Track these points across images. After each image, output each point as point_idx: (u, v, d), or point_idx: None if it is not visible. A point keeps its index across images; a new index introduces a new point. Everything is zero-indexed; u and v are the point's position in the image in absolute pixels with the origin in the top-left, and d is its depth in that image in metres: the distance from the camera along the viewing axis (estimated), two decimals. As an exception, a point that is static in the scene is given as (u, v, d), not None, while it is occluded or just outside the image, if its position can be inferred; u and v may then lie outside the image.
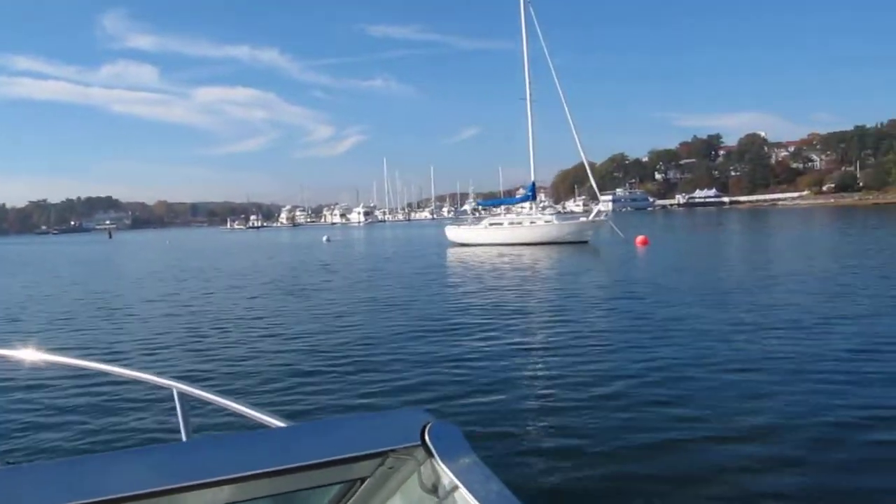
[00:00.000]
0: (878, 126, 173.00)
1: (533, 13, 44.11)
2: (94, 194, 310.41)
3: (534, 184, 47.99)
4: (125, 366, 2.78)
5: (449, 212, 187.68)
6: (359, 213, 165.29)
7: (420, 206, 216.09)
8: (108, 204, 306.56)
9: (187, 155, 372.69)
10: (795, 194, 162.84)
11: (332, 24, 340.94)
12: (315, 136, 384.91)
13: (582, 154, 45.34)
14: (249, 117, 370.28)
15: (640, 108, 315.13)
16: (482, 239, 43.54)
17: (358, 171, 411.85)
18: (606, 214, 42.10)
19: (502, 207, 53.35)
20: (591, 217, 44.05)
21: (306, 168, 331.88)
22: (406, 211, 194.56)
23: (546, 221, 44.10)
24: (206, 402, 2.35)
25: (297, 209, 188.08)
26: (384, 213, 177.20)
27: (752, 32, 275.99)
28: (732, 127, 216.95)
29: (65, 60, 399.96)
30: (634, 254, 33.12)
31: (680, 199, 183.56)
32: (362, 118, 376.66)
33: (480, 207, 58.46)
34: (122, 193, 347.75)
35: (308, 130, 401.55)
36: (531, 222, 43.80)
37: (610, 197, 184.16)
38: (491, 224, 45.44)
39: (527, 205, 49.55)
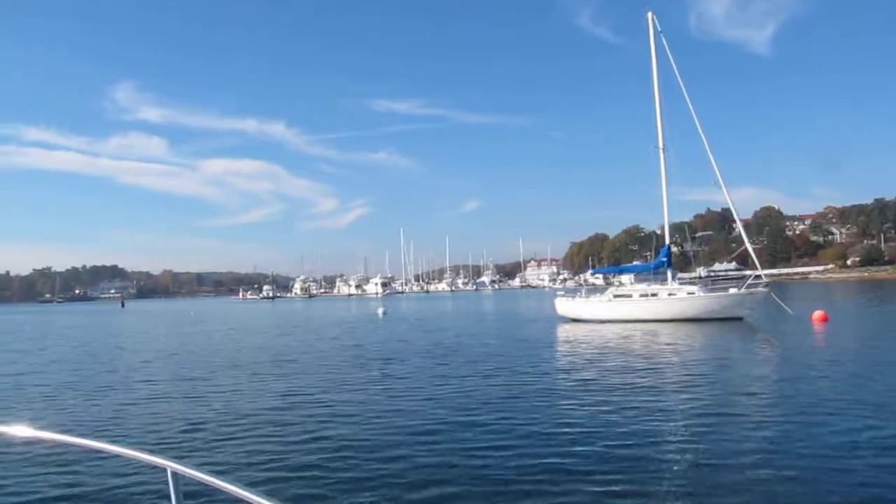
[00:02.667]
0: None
1: (668, 50, 37.84)
2: (99, 262, 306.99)
3: (668, 247, 41.16)
4: (118, 443, 2.69)
5: (465, 283, 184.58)
6: (376, 283, 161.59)
7: (432, 277, 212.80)
8: (114, 273, 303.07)
9: (193, 225, 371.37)
10: (820, 267, 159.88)
11: (338, 99, 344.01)
12: (320, 207, 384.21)
13: (732, 207, 41.97)
14: (255, 189, 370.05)
15: (640, 183, 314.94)
16: (605, 314, 37.35)
17: (362, 243, 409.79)
18: (765, 284, 36.24)
19: (627, 277, 46.05)
20: (743, 287, 36.30)
21: (311, 239, 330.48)
22: (425, 282, 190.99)
23: (689, 293, 37.10)
24: (202, 484, 2.28)
25: (311, 280, 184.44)
26: (402, 285, 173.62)
27: (742, 117, 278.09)
28: (734, 202, 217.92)
29: (74, 131, 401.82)
30: (814, 335, 26.43)
31: (701, 272, 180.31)
32: (367, 190, 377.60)
33: (595, 275, 52.27)
34: (127, 262, 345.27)
35: (313, 202, 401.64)
36: (669, 294, 37.00)
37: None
38: (616, 296, 38.52)
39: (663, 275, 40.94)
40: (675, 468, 8.66)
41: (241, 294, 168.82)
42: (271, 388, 16.87)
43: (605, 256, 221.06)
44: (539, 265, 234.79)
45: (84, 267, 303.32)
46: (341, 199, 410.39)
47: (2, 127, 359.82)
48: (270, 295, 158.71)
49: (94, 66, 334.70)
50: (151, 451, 2.55)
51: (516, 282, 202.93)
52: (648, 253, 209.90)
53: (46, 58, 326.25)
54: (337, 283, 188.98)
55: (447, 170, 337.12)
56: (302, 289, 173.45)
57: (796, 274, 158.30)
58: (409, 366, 20.48)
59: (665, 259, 40.43)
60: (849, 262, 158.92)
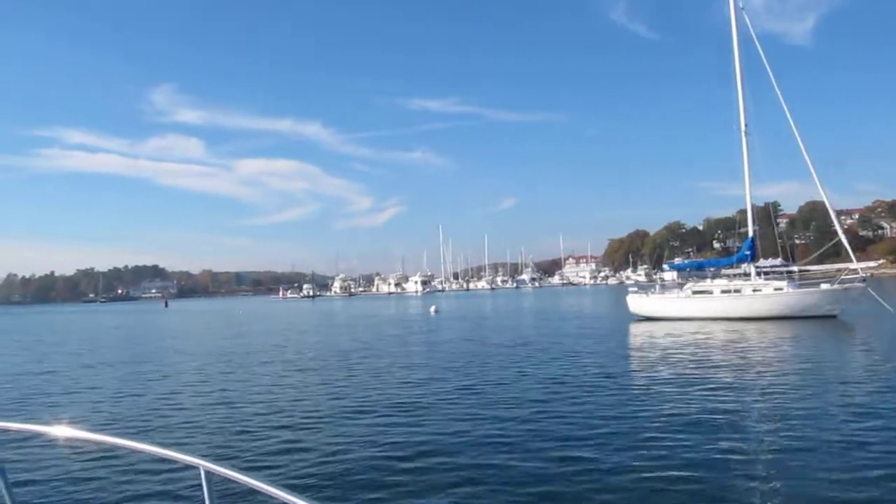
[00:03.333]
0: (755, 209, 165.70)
1: (749, 25, 35.67)
2: (140, 263, 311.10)
3: (752, 239, 38.30)
4: (153, 442, 2.75)
5: (504, 281, 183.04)
6: (416, 282, 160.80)
7: (470, 275, 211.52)
8: (155, 273, 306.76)
9: (230, 225, 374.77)
10: (872, 263, 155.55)
11: (372, 99, 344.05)
12: (355, 206, 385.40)
13: (824, 196, 39.51)
14: (290, 188, 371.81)
15: (678, 177, 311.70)
16: (683, 311, 35.05)
17: (397, 242, 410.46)
18: (861, 279, 33.68)
19: (709, 272, 41.55)
20: (836, 283, 33.98)
21: (346, 238, 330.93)
22: (466, 280, 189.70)
23: (777, 289, 34.12)
24: (235, 482, 2.31)
25: (349, 279, 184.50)
26: (441, 283, 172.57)
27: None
28: (773, 196, 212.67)
29: (115, 134, 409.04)
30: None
31: (745, 268, 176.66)
32: (401, 189, 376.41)
33: (671, 271, 48.44)
34: (167, 262, 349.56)
35: (348, 201, 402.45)
36: (754, 290, 34.51)
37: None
38: (696, 292, 35.99)
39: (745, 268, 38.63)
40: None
41: (281, 293, 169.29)
42: (372, 390, 15.87)
43: (645, 253, 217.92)
44: (577, 262, 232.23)
45: (126, 267, 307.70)
46: (376, 197, 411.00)
47: (46, 130, 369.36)
48: (311, 294, 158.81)
49: (133, 69, 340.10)
50: (184, 450, 2.55)
51: (555, 279, 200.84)
52: (690, 249, 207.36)
53: (87, 61, 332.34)
54: (375, 282, 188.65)
55: (481, 168, 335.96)
56: (341, 287, 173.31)
57: (849, 269, 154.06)
58: (494, 369, 19.04)
59: (749, 252, 37.84)
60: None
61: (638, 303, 38.09)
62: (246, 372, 20.44)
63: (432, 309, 53.11)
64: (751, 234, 38.69)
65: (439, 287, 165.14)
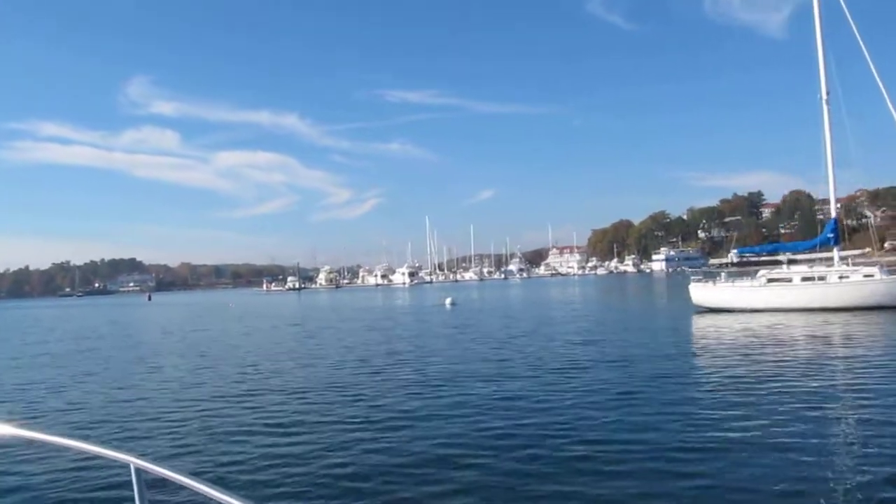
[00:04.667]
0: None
1: None
2: (117, 256, 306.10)
3: (836, 220, 34.01)
4: (82, 439, 2.71)
5: (489, 272, 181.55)
6: (403, 273, 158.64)
7: (455, 265, 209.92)
8: (132, 266, 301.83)
9: (208, 218, 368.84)
10: (857, 252, 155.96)
11: (351, 90, 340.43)
12: (334, 199, 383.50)
13: None
14: (269, 181, 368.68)
15: (654, 167, 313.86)
16: (757, 302, 31.37)
17: (376, 234, 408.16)
18: None
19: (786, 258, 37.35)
20: None
21: (325, 230, 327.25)
22: (454, 271, 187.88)
23: (867, 276, 30.45)
24: (167, 480, 2.27)
25: (335, 270, 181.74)
26: (429, 274, 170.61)
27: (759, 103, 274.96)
28: (749, 186, 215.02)
29: (89, 126, 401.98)
30: None
31: (733, 257, 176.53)
32: (380, 181, 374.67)
33: (740, 256, 44.97)
34: (145, 255, 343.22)
35: (327, 193, 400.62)
36: (840, 277, 30.89)
37: (663, 255, 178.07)
38: (771, 280, 32.27)
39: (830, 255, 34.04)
40: None
41: (265, 286, 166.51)
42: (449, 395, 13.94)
43: (630, 243, 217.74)
44: (561, 253, 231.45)
45: (102, 261, 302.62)
46: (355, 189, 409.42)
47: (19, 122, 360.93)
48: (296, 286, 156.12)
49: (107, 60, 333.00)
50: (114, 447, 2.54)
51: (542, 269, 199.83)
52: (675, 239, 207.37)
53: (60, 53, 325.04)
54: (361, 274, 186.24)
55: (462, 159, 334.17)
56: (327, 279, 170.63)
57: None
58: (556, 371, 16.53)
59: (832, 235, 33.69)
60: (886, 245, 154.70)
61: (703, 293, 34.27)
62: (380, 384, 16.14)
63: (448, 301, 50.75)
64: (834, 213, 34.44)
65: (427, 278, 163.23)
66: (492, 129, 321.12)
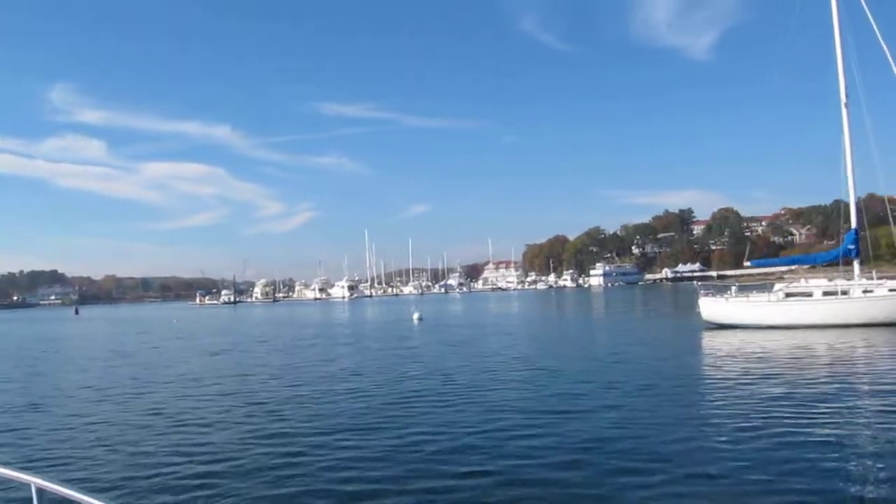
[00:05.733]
0: (857, 199, 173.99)
1: None
2: (37, 268, 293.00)
3: (856, 230, 32.25)
4: None
5: (428, 286, 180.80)
6: (343, 287, 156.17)
7: (393, 279, 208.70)
8: (53, 278, 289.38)
9: (134, 229, 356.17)
10: (784, 268, 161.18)
11: (285, 102, 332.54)
12: (265, 211, 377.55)
13: None
14: (198, 193, 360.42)
15: (584, 184, 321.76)
16: (774, 318, 29.36)
17: (309, 247, 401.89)
18: None
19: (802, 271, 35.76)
20: None
21: (257, 243, 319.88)
22: (392, 285, 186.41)
23: (891, 290, 28.62)
24: (67, 499, 2.27)
25: (270, 283, 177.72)
26: (369, 288, 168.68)
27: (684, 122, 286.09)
28: (677, 204, 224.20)
29: (8, 132, 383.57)
30: None
31: (667, 272, 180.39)
32: (313, 194, 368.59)
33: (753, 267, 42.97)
34: (68, 268, 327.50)
35: (258, 206, 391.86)
36: (864, 291, 29.01)
37: (600, 271, 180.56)
38: (789, 294, 30.36)
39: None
40: None
41: (198, 299, 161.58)
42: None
43: (566, 258, 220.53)
44: (497, 267, 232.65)
45: (21, 272, 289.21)
46: (287, 203, 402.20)
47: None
48: (231, 300, 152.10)
49: (28, 65, 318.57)
50: (16, 467, 2.54)
51: (480, 284, 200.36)
52: (610, 254, 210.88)
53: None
54: (297, 287, 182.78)
55: (397, 173, 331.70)
56: (263, 293, 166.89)
57: (772, 275, 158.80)
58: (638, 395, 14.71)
59: (853, 247, 31.82)
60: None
61: (714, 308, 31.97)
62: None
63: (415, 316, 49.31)
64: (854, 225, 32.48)
65: (366, 292, 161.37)
66: (426, 143, 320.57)
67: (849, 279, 30.91)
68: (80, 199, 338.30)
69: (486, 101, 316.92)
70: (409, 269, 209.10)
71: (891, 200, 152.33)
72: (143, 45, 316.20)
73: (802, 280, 32.77)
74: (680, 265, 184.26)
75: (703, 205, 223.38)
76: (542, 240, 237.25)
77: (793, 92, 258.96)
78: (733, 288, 33.01)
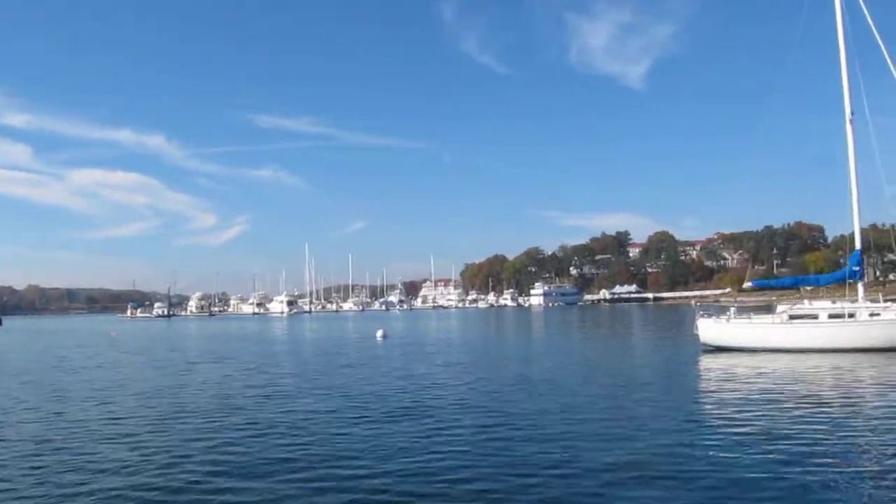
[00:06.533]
0: (786, 226, 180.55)
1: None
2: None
3: (860, 252, 31.18)
4: None
5: (367, 303, 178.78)
6: (282, 302, 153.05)
7: (331, 295, 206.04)
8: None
9: (60, 238, 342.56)
10: (719, 291, 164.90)
11: (222, 113, 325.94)
12: (199, 223, 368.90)
13: None
14: (129, 202, 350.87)
15: (521, 205, 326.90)
16: (777, 341, 28.38)
17: (243, 261, 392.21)
18: None
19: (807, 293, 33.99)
20: None
21: (189, 256, 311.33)
22: (331, 301, 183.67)
23: None
24: None
25: (206, 297, 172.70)
26: (309, 303, 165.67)
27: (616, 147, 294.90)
28: (610, 226, 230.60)
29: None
30: None
31: (605, 293, 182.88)
32: (249, 207, 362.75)
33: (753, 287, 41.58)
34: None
35: (191, 218, 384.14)
36: (871, 314, 28.05)
37: (541, 290, 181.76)
38: (794, 317, 29.06)
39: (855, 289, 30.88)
40: None
41: (129, 312, 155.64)
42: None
43: (505, 278, 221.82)
44: (436, 286, 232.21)
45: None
46: (221, 215, 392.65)
47: None
48: (165, 313, 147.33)
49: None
50: None
51: (420, 302, 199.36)
52: (548, 274, 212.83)
53: None
54: (233, 302, 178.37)
55: (335, 189, 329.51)
56: (198, 307, 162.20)
57: (706, 297, 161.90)
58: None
59: (857, 269, 30.86)
60: (745, 286, 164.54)
61: (713, 330, 30.70)
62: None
63: (379, 334, 47.65)
64: (858, 245, 31.46)
65: (305, 308, 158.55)
66: (366, 160, 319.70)
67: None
68: (3, 205, 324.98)
69: (427, 121, 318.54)
70: (348, 285, 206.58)
71: (815, 228, 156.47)
72: (73, 50, 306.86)
73: (806, 302, 31.76)
74: (617, 286, 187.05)
75: (637, 229, 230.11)
76: (482, 259, 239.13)
77: (721, 119, 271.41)
78: (732, 309, 31.94)
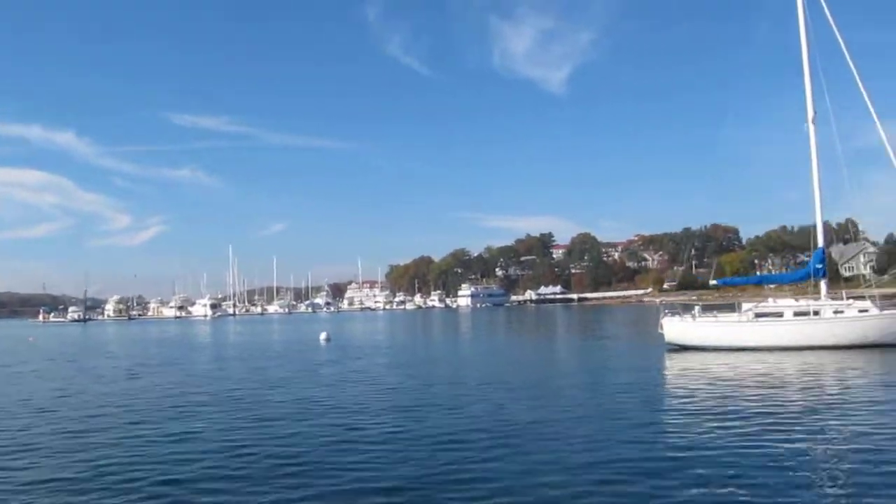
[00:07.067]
0: (703, 228, 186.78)
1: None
2: None
3: (823, 250, 31.58)
4: None
5: (293, 305, 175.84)
6: (205, 305, 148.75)
7: (255, 297, 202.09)
8: None
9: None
10: (641, 291, 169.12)
11: (137, 111, 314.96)
12: (113, 225, 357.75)
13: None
14: (38, 202, 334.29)
15: (445, 207, 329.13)
16: (743, 339, 28.55)
17: (160, 263, 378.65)
18: None
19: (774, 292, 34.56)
20: None
21: (102, 258, 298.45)
22: (255, 304, 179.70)
23: (861, 311, 28.28)
24: None
25: (124, 300, 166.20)
26: (233, 306, 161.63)
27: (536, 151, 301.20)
28: (532, 228, 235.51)
29: None
30: None
31: (531, 294, 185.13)
32: (165, 208, 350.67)
33: (720, 286, 41.08)
34: None
35: (105, 219, 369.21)
36: (835, 312, 28.40)
37: (469, 292, 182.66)
38: (760, 315, 29.21)
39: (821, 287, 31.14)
40: None
41: (41, 316, 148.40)
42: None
43: (431, 279, 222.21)
44: (361, 287, 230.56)
45: None
46: (137, 215, 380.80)
47: None
48: (81, 317, 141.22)
49: None
50: None
51: (346, 304, 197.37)
52: (474, 276, 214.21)
53: None
54: (152, 305, 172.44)
55: (256, 190, 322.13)
56: (116, 310, 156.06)
57: (630, 297, 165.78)
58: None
59: (820, 266, 31.18)
60: (665, 286, 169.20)
61: (679, 328, 30.44)
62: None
63: (322, 337, 46.52)
64: (821, 243, 31.81)
65: (230, 311, 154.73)
66: (287, 161, 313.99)
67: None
68: None
69: (351, 122, 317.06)
70: (272, 288, 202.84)
71: (730, 230, 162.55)
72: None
73: (770, 300, 31.47)
74: (542, 287, 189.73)
75: (559, 231, 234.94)
76: (408, 260, 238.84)
77: (636, 124, 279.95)
78: (697, 308, 31.68)
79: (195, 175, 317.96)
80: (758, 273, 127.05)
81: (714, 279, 39.95)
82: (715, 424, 13.50)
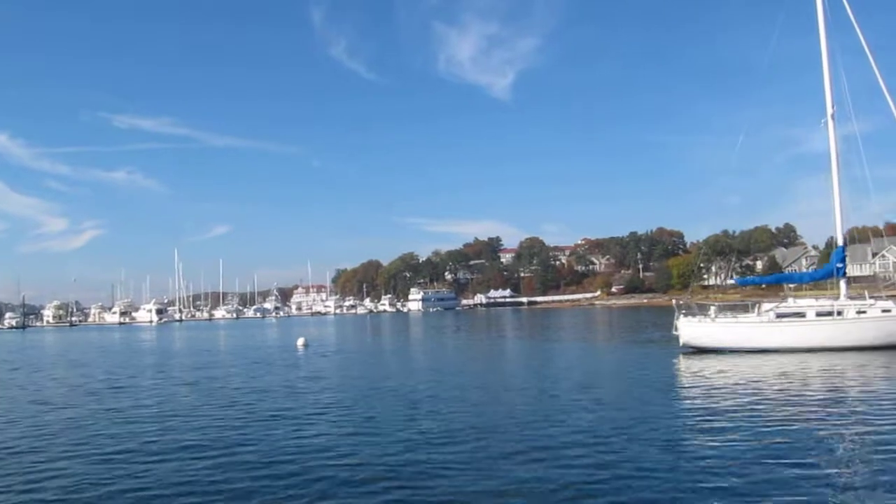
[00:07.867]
0: (649, 233, 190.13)
1: None
2: None
3: (843, 248, 30.66)
4: None
5: (239, 310, 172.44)
6: (150, 311, 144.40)
7: (201, 302, 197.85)
8: None
9: None
10: (590, 294, 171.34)
11: (74, 111, 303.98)
12: (47, 228, 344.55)
13: None
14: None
15: (392, 212, 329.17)
16: (764, 341, 27.44)
17: (98, 268, 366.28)
18: None
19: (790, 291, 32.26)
20: None
21: (35, 263, 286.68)
22: (200, 309, 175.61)
23: (884, 311, 27.49)
24: None
25: (63, 306, 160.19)
26: (179, 312, 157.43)
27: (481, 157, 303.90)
28: (478, 233, 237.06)
29: None
30: None
31: (482, 298, 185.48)
32: (102, 211, 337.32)
33: (739, 286, 39.31)
34: None
35: (39, 222, 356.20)
36: (858, 311, 27.54)
37: (420, 296, 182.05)
38: (781, 315, 28.21)
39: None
40: None
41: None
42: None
43: (380, 283, 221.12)
44: (308, 292, 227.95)
45: None
46: (72, 219, 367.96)
47: None
48: (19, 324, 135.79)
49: None
50: None
51: (293, 308, 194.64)
52: (423, 280, 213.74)
53: None
54: (94, 311, 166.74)
55: (195, 193, 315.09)
56: (56, 316, 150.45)
57: (579, 300, 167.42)
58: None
59: (841, 266, 30.29)
60: (613, 289, 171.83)
61: (696, 330, 29.16)
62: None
63: (300, 343, 45.12)
64: (840, 241, 30.79)
65: (176, 316, 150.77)
66: (230, 163, 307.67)
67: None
68: None
69: (295, 125, 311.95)
70: (217, 293, 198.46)
71: (675, 234, 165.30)
72: None
73: (790, 300, 30.00)
74: (492, 291, 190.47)
75: (504, 236, 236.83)
76: (355, 265, 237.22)
77: (576, 130, 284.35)
78: (713, 308, 30.31)
79: (132, 177, 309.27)
80: (704, 277, 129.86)
81: (732, 278, 39.79)
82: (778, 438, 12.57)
